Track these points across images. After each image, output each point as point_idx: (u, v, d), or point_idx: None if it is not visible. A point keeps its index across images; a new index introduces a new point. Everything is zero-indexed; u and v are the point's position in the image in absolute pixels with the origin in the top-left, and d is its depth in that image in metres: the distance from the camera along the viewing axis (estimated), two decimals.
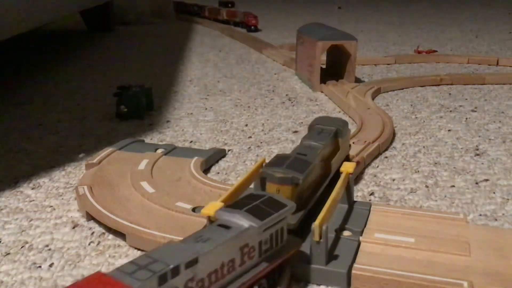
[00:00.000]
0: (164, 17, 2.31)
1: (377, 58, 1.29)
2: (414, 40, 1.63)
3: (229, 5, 2.42)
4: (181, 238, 0.32)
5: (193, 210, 0.46)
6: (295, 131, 0.74)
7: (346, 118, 0.78)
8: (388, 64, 1.25)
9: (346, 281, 0.37)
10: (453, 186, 0.55)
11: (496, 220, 0.48)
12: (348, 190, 0.46)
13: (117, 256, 0.42)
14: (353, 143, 0.63)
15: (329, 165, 0.48)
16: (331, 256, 0.39)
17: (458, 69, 1.19)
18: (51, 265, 0.41)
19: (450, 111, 0.84)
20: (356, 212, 0.46)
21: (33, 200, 0.52)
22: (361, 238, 0.41)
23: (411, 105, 0.88)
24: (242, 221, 0.33)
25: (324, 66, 1.04)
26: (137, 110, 0.79)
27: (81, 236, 0.45)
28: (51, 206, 0.51)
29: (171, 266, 0.27)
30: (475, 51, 1.43)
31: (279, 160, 0.42)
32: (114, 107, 0.80)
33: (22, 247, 0.43)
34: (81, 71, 1.18)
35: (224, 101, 0.90)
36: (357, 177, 0.57)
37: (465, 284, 0.36)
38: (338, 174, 0.46)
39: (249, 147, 0.68)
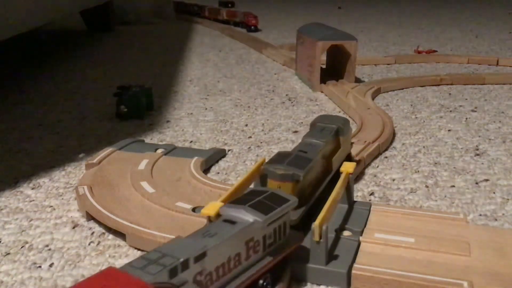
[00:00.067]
0: (164, 17, 2.31)
1: (377, 58, 1.29)
2: (414, 40, 1.63)
3: (229, 5, 2.42)
4: None
5: (193, 210, 0.46)
6: (295, 131, 0.74)
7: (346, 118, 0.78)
8: (388, 64, 1.25)
9: (346, 281, 0.37)
10: (453, 186, 0.55)
11: (496, 220, 0.48)
12: (348, 190, 0.46)
13: (117, 256, 0.42)
14: (353, 143, 0.63)
15: (330, 162, 0.48)
16: (331, 256, 0.39)
17: (458, 69, 1.19)
18: (51, 265, 0.41)
19: (450, 111, 0.84)
20: (356, 212, 0.46)
21: (33, 200, 0.52)
22: (361, 238, 0.41)
23: (411, 105, 0.88)
24: (246, 216, 0.33)
25: (324, 66, 1.04)
26: (137, 110, 0.79)
27: (81, 236, 0.45)
28: (51, 206, 0.51)
29: (181, 260, 0.28)
30: (475, 51, 1.43)
31: (280, 157, 0.43)
32: (114, 107, 0.80)
33: (22, 247, 0.43)
34: (81, 71, 1.18)
35: (224, 101, 0.90)
36: (357, 177, 0.57)
37: (465, 284, 0.36)
38: (339, 172, 0.46)
39: (249, 147, 0.68)
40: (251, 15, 1.88)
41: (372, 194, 0.54)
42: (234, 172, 0.60)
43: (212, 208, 0.36)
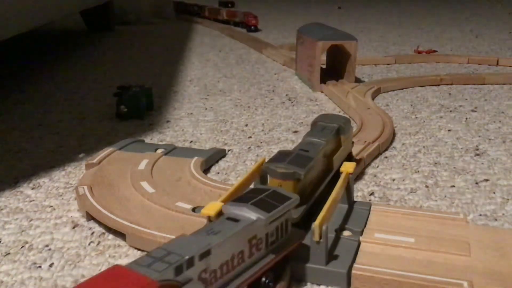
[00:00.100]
0: (164, 17, 2.31)
1: (377, 58, 1.29)
2: (414, 40, 1.63)
3: (229, 5, 2.42)
4: None
5: (193, 210, 0.46)
6: (295, 131, 0.74)
7: None
8: (388, 64, 1.25)
9: (346, 281, 0.37)
10: (453, 186, 0.55)
11: (496, 220, 0.48)
12: (348, 190, 0.46)
13: (117, 256, 0.42)
14: (353, 142, 0.63)
15: (331, 161, 0.48)
16: (331, 256, 0.39)
17: (458, 69, 1.19)
18: (51, 265, 0.41)
19: (450, 111, 0.84)
20: (356, 212, 0.46)
21: (33, 200, 0.52)
22: (361, 238, 0.41)
23: (411, 105, 0.88)
24: (249, 214, 0.33)
25: (324, 66, 1.04)
26: (137, 110, 0.79)
27: (81, 236, 0.45)
28: (51, 206, 0.51)
29: (186, 258, 0.28)
30: (475, 51, 1.43)
31: (281, 156, 0.43)
32: (114, 107, 0.80)
33: (22, 247, 0.43)
34: (81, 71, 1.18)
35: (224, 101, 0.90)
36: (357, 177, 0.57)
37: (465, 284, 0.36)
38: (340, 172, 0.46)
39: (249, 147, 0.68)
40: (251, 15, 1.88)
41: (372, 194, 0.54)
42: (234, 172, 0.60)
43: (212, 208, 0.36)
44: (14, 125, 0.77)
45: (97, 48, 1.52)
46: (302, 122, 0.78)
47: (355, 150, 0.60)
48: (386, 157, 0.64)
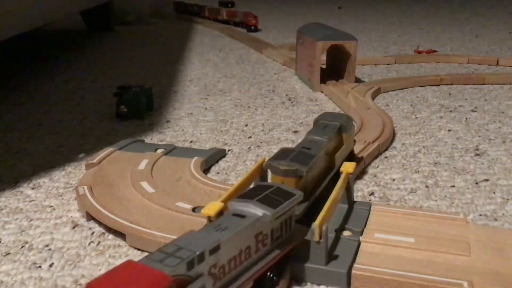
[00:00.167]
0: (164, 17, 2.31)
1: (377, 58, 1.29)
2: (414, 40, 1.63)
3: (229, 5, 2.42)
4: None
5: (193, 210, 0.46)
6: (295, 131, 0.74)
7: None
8: (388, 64, 1.25)
9: (346, 281, 0.37)
10: (453, 186, 0.55)
11: (496, 220, 0.48)
12: (348, 190, 0.46)
13: (117, 256, 0.42)
14: (355, 141, 0.63)
15: (333, 159, 0.48)
16: (331, 256, 0.39)
17: (458, 69, 1.19)
18: (51, 265, 0.41)
19: (450, 111, 0.84)
20: (356, 212, 0.46)
21: (33, 200, 0.52)
22: (361, 238, 0.41)
23: (411, 105, 0.88)
24: (256, 210, 0.34)
25: (324, 66, 1.04)
26: (137, 110, 0.79)
27: (81, 236, 0.45)
28: (51, 206, 0.51)
29: (198, 253, 0.28)
30: (475, 51, 1.43)
31: (284, 153, 0.43)
32: (114, 107, 0.80)
33: (22, 247, 0.43)
34: (81, 71, 1.18)
35: (224, 101, 0.90)
36: (357, 177, 0.57)
37: (465, 284, 0.36)
38: (340, 171, 0.46)
39: (249, 147, 0.68)
40: (251, 15, 1.88)
41: (372, 194, 0.54)
42: (234, 172, 0.60)
43: (212, 208, 0.36)
44: (14, 125, 0.77)
45: (97, 48, 1.52)
46: (302, 122, 0.78)
47: (355, 150, 0.60)
48: (386, 157, 0.64)
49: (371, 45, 1.54)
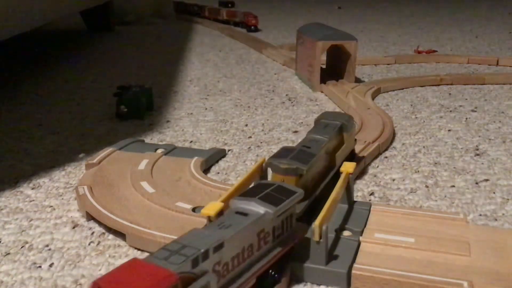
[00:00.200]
0: (164, 17, 2.31)
1: (377, 58, 1.29)
2: (414, 40, 1.63)
3: (229, 5, 2.42)
4: None
5: (193, 210, 0.46)
6: (295, 131, 0.74)
7: None
8: (388, 64, 1.25)
9: (346, 281, 0.37)
10: (453, 186, 0.55)
11: (496, 220, 0.48)
12: (348, 190, 0.46)
13: (117, 256, 0.42)
14: (356, 140, 0.63)
15: (333, 158, 0.48)
16: (331, 256, 0.39)
17: (458, 69, 1.19)
18: (51, 265, 0.41)
19: (450, 111, 0.84)
20: (356, 212, 0.46)
21: (33, 200, 0.52)
22: (361, 238, 0.41)
23: (411, 105, 0.88)
24: (258, 208, 0.34)
25: (324, 66, 1.04)
26: (137, 110, 0.79)
27: (81, 236, 0.45)
28: (51, 206, 0.51)
29: (202, 251, 0.29)
30: (475, 51, 1.43)
31: (284, 152, 0.44)
32: (114, 107, 0.80)
33: (22, 247, 0.43)
34: (81, 71, 1.18)
35: (224, 101, 0.90)
36: (357, 177, 0.57)
37: (465, 284, 0.36)
38: (340, 171, 0.46)
39: (249, 147, 0.68)
40: (251, 15, 1.88)
41: (372, 194, 0.54)
42: (234, 172, 0.60)
43: (212, 208, 0.36)
44: (14, 125, 0.77)
45: (97, 48, 1.52)
46: (302, 122, 0.78)
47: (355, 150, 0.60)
48: (386, 157, 0.64)
49: (371, 45, 1.54)
